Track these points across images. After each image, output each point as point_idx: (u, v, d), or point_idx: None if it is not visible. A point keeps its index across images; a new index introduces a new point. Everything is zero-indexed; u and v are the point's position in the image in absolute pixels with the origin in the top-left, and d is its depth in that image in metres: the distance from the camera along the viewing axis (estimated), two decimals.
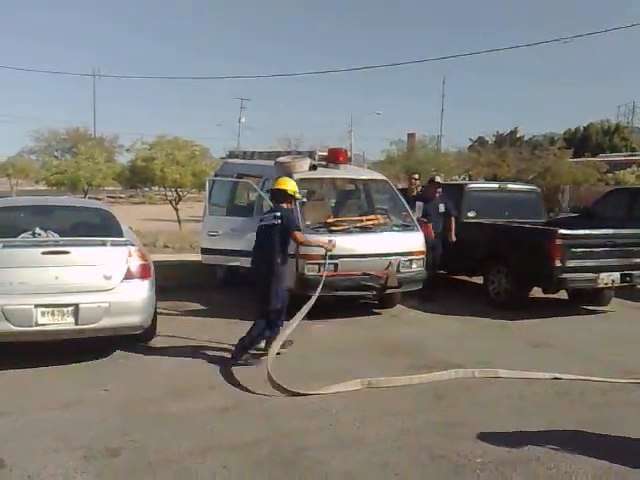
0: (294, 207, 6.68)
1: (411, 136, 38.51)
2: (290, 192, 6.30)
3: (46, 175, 20.84)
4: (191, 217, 19.33)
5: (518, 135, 51.40)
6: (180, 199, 18.50)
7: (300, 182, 8.00)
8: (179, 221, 17.69)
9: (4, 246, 5.73)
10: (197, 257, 12.38)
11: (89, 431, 4.41)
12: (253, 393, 5.26)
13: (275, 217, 6.13)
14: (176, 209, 18.03)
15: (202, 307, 8.55)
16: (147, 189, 32.44)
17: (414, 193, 9.63)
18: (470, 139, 51.62)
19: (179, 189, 18.15)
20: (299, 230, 6.45)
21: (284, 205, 6.28)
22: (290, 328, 6.11)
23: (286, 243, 6.20)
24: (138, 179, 19.05)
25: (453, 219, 9.49)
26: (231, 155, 10.90)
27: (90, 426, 4.50)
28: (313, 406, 4.97)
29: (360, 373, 5.63)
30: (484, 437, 4.32)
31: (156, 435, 4.38)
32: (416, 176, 10.27)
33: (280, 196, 6.32)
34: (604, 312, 8.69)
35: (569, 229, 8.34)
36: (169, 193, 19.09)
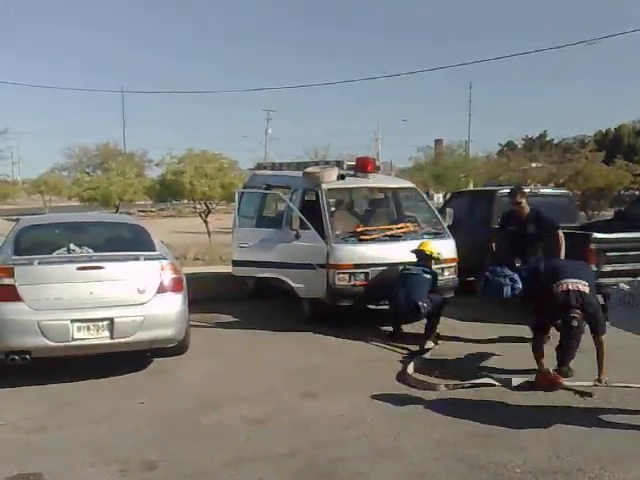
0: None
1: (438, 142, 38.36)
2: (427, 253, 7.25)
3: (78, 191, 21.21)
4: (220, 229, 19.47)
5: (548, 138, 50.88)
6: (209, 211, 18.67)
7: (329, 192, 8.04)
8: (209, 233, 17.82)
9: (40, 263, 5.83)
10: (227, 269, 12.45)
11: (125, 444, 4.45)
12: (286, 404, 5.25)
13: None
14: (205, 221, 18.19)
15: (233, 319, 8.58)
16: (177, 202, 32.89)
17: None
18: (499, 144, 51.33)
19: (208, 201, 18.31)
20: None
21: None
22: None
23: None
24: (168, 193, 19.29)
25: (560, 234, 7.24)
26: (259, 167, 10.96)
27: (126, 439, 4.54)
28: (348, 416, 4.94)
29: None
30: (524, 447, 4.25)
31: (191, 447, 4.40)
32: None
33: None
34: None
35: (604, 233, 8.20)
36: (198, 206, 19.27)
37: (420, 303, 6.97)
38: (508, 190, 8.60)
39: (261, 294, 9.70)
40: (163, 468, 4.09)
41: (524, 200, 7.37)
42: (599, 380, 5.31)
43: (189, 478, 3.95)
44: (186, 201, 24.15)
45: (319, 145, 33.11)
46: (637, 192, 28.70)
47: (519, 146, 46.38)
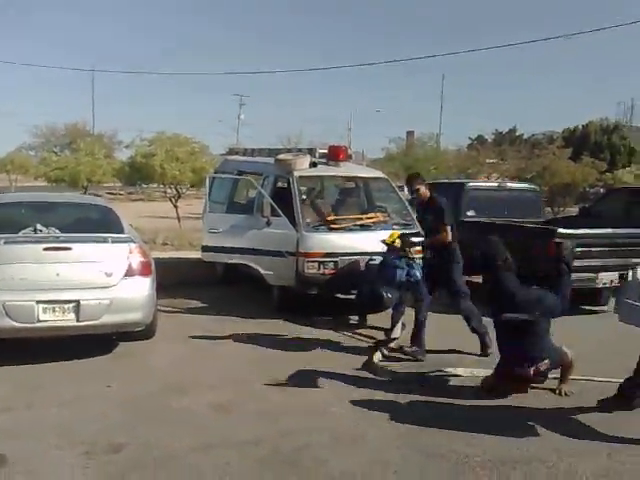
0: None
1: (410, 134, 38.56)
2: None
3: (46, 171, 20.83)
4: (190, 214, 19.32)
5: (517, 133, 51.51)
6: (180, 196, 18.52)
7: (300, 179, 8.05)
8: (178, 218, 17.70)
9: (5, 242, 5.75)
10: (196, 255, 12.39)
11: (92, 427, 4.43)
12: (252, 392, 5.27)
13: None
14: (175, 206, 18.05)
15: (201, 305, 8.57)
16: (146, 186, 32.54)
17: None
18: (470, 137, 51.77)
19: (178, 186, 18.16)
20: None
21: None
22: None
23: None
24: (138, 176, 19.06)
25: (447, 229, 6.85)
26: (231, 152, 10.93)
27: (93, 422, 4.52)
28: (313, 405, 4.99)
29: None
30: (485, 437, 4.34)
31: (158, 431, 4.40)
32: None
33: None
34: (603, 312, 8.71)
35: (569, 228, 8.36)
36: (168, 190, 19.10)
37: (384, 293, 6.99)
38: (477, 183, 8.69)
39: (230, 280, 9.70)
40: (129, 451, 4.09)
41: (422, 187, 6.77)
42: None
43: (157, 461, 3.95)
44: (155, 185, 23.90)
45: (292, 132, 33.00)
46: (602, 189, 29.29)
47: (489, 140, 46.87)
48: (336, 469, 3.89)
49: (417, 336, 6.37)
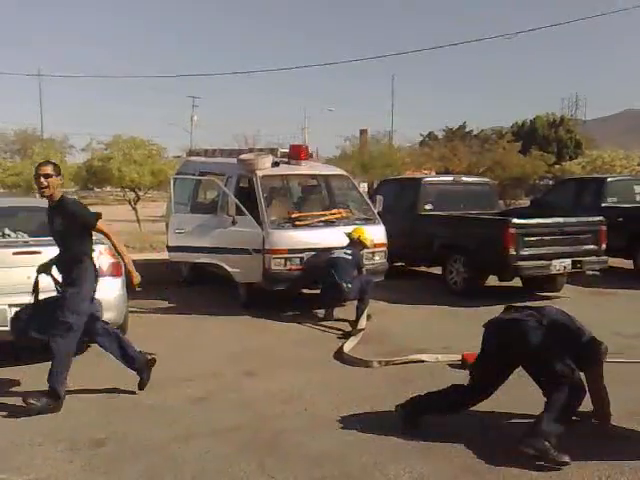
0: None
1: (363, 132, 38.83)
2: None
3: (1, 177, 20.44)
4: (148, 217, 19.22)
5: (467, 129, 52.53)
6: (139, 199, 18.42)
7: (263, 179, 8.22)
8: (138, 221, 17.59)
9: None
10: (159, 256, 12.43)
11: (70, 425, 4.52)
12: (228, 383, 5.44)
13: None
14: (134, 209, 17.94)
15: (169, 305, 8.66)
16: (99, 190, 32.11)
17: None
18: (421, 134, 52.60)
19: (137, 188, 18.05)
20: None
21: None
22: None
23: None
24: (95, 179, 18.86)
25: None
26: (192, 153, 11.00)
27: (71, 420, 4.61)
28: (288, 393, 5.17)
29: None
30: (448, 417, 4.59)
31: (137, 425, 4.51)
32: None
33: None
34: (557, 298, 9.11)
35: (522, 219, 8.75)
36: (128, 193, 18.93)
37: (344, 284, 7.29)
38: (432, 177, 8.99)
39: (196, 280, 9.81)
40: (112, 445, 4.19)
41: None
42: None
43: (139, 453, 4.07)
44: (108, 189, 23.65)
45: (247, 133, 32.99)
46: (551, 181, 30.21)
47: (440, 137, 47.67)
48: (314, 451, 4.08)
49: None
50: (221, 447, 4.14)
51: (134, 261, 5.53)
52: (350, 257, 7.57)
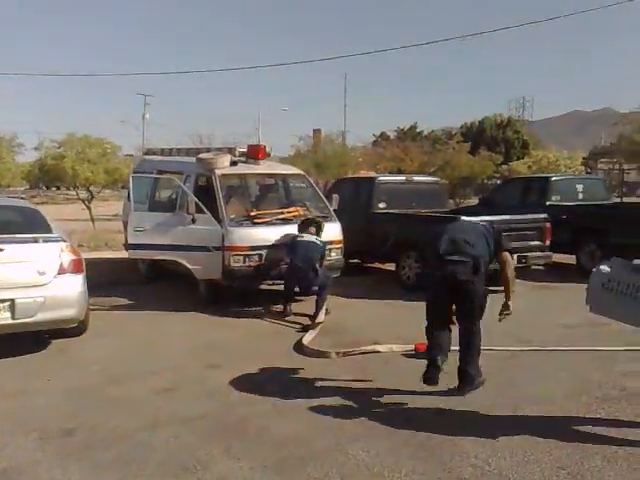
0: None
1: (316, 132, 39.14)
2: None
3: None
4: (100, 216, 19.07)
5: (418, 130, 53.42)
6: (92, 197, 18.25)
7: (222, 177, 8.39)
8: (92, 220, 17.46)
9: None
10: (115, 255, 12.47)
11: (40, 416, 4.64)
12: (191, 375, 5.60)
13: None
14: (89, 207, 17.78)
15: (128, 302, 8.73)
16: (46, 188, 31.54)
17: None
18: (373, 134, 53.22)
19: (91, 187, 17.90)
20: None
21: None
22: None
23: None
24: (48, 178, 18.59)
25: None
26: (148, 152, 11.04)
27: (40, 412, 4.73)
28: (251, 383, 5.38)
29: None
30: (401, 400, 4.91)
31: (105, 416, 4.64)
32: None
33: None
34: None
35: (470, 216, 9.12)
36: (82, 192, 18.73)
37: (317, 265, 7.66)
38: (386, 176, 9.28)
39: (154, 277, 9.91)
40: (81, 434, 4.33)
41: None
42: None
43: (109, 441, 4.22)
44: (55, 188, 23.35)
45: (200, 132, 32.82)
46: (498, 181, 31.12)
47: (392, 137, 48.35)
48: (278, 435, 4.31)
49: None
50: (188, 434, 4.32)
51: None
52: (320, 243, 7.86)
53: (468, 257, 5.02)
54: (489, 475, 3.68)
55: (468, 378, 5.00)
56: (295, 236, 7.94)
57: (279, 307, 8.18)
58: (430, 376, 4.91)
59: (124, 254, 11.44)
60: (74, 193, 22.02)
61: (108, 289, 8.99)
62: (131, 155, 24.81)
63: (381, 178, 11.57)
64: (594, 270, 4.52)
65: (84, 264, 6.56)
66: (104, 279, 9.39)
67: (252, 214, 8.23)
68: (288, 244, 7.86)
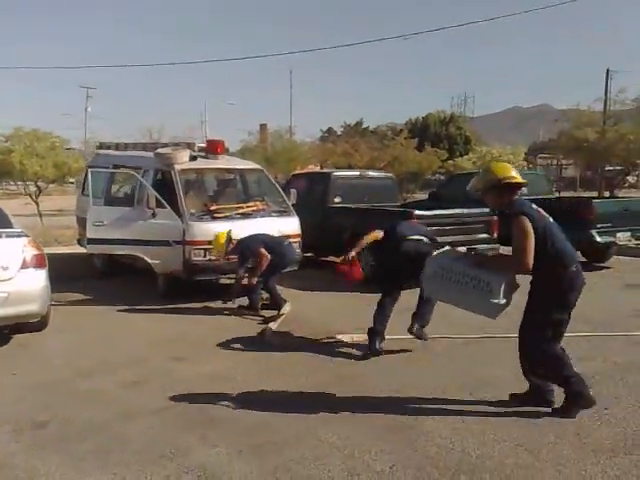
0: None
1: (263, 127, 39.12)
2: None
3: None
4: (44, 211, 18.64)
5: (364, 126, 54.05)
6: (40, 192, 17.88)
7: (182, 172, 8.45)
8: (40, 215, 17.11)
9: None
10: (67, 250, 12.32)
11: (10, 409, 4.67)
12: (157, 368, 5.69)
13: None
14: (36, 202, 17.42)
15: (86, 297, 8.70)
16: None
17: None
18: (321, 130, 53.59)
19: (39, 181, 17.55)
20: None
21: None
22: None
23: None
24: None
25: None
26: (102, 147, 10.97)
27: (10, 405, 4.76)
28: (218, 374, 5.50)
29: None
30: (364, 382, 5.17)
31: (76, 408, 4.70)
32: None
33: None
34: None
35: (422, 210, 9.47)
36: (29, 187, 18.31)
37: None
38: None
39: (110, 272, 9.87)
40: (54, 426, 4.39)
41: None
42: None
43: (83, 433, 4.29)
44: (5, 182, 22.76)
45: (150, 126, 32.36)
46: (442, 176, 31.85)
47: (339, 133, 48.79)
48: (251, 422, 4.46)
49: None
50: (161, 424, 4.42)
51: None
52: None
53: None
54: (453, 453, 3.93)
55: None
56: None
57: (240, 300, 8.29)
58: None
59: (76, 249, 11.38)
60: (15, 187, 21.53)
61: (64, 284, 8.89)
62: (73, 149, 24.33)
63: (336, 173, 11.82)
64: (428, 258, 4.89)
65: (46, 259, 6.55)
66: (59, 274, 9.28)
67: (212, 208, 8.32)
68: (268, 243, 7.89)
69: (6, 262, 6.02)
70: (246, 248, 7.61)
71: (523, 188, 4.63)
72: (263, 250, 7.50)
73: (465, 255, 4.80)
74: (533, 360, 4.56)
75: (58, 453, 4.00)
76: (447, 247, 5.01)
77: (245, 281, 7.75)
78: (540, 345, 4.45)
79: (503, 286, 4.42)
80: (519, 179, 4.52)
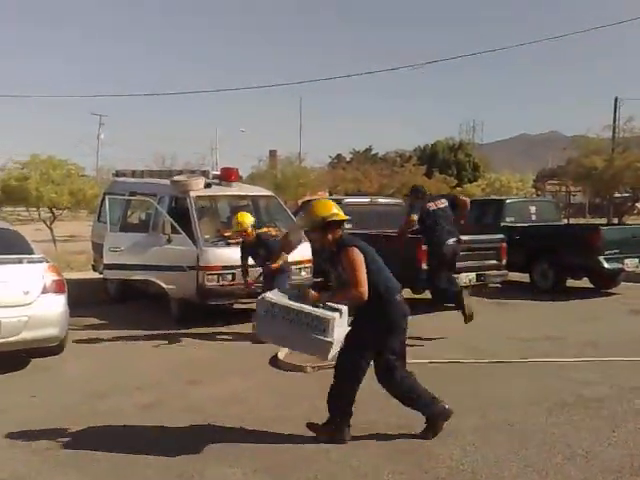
0: None
1: (273, 153, 39.51)
2: None
3: None
4: (59, 237, 18.93)
5: (373, 152, 54.43)
6: (55, 218, 18.22)
7: (197, 199, 8.66)
8: (54, 241, 17.39)
9: None
10: (81, 276, 12.51)
11: (30, 430, 4.78)
12: (173, 391, 5.81)
13: None
14: (50, 229, 17.73)
15: (100, 322, 8.87)
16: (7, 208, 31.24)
17: None
18: (330, 156, 54.01)
19: (54, 208, 17.89)
20: None
21: None
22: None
23: None
24: (12, 199, 18.44)
25: None
26: (118, 174, 11.22)
27: (29, 426, 4.86)
28: (233, 396, 5.62)
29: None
30: (371, 410, 5.21)
31: (94, 430, 4.84)
32: None
33: None
34: None
35: None
36: (43, 213, 18.67)
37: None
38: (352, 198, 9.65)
39: (122, 298, 10.04)
40: (72, 447, 4.48)
41: None
42: None
43: (104, 453, 4.37)
44: (10, 209, 23.13)
45: (163, 152, 32.87)
46: None
47: (347, 159, 49.15)
48: (265, 444, 4.56)
49: None
50: (177, 445, 4.49)
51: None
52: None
53: None
54: (464, 474, 4.02)
55: None
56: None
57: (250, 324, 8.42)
58: None
59: (90, 275, 11.56)
60: (27, 214, 21.87)
61: (78, 310, 9.06)
62: (86, 176, 24.70)
63: (347, 200, 11.99)
64: (258, 299, 4.73)
65: (66, 285, 6.73)
66: (74, 300, 9.46)
67: (226, 234, 8.50)
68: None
69: (27, 287, 6.20)
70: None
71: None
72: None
73: (299, 292, 4.74)
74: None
75: (76, 473, 4.12)
76: (276, 289, 5.01)
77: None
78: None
79: (336, 322, 4.46)
80: (341, 215, 4.63)
